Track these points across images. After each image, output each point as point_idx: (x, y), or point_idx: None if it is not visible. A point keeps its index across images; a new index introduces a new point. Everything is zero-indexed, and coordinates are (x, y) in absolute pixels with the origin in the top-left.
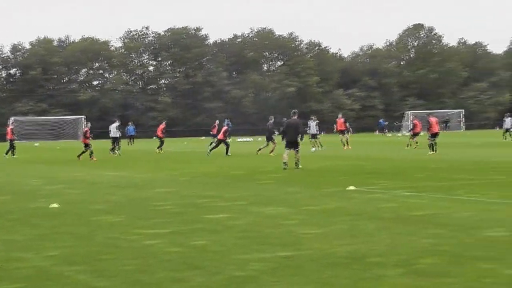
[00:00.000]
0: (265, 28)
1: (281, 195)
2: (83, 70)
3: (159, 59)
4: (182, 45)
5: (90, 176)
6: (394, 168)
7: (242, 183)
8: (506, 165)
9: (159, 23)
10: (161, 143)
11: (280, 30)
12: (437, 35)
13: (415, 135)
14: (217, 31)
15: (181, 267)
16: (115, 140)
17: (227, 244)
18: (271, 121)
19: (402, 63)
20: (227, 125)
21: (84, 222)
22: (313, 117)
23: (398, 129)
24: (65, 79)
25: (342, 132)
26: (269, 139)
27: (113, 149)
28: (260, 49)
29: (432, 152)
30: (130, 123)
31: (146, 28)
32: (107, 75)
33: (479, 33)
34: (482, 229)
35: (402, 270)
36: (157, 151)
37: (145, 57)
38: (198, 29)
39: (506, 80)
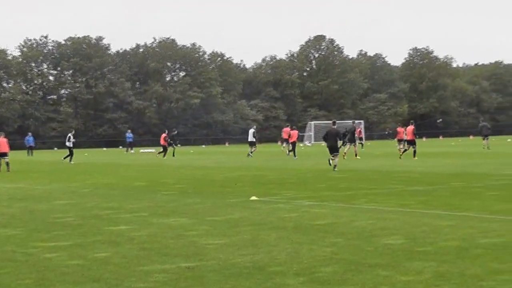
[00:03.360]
0: (167, 38)
1: (183, 206)
2: None
3: (59, 68)
4: (83, 54)
5: None
6: (297, 178)
7: (144, 194)
8: (405, 174)
9: (59, 32)
10: (164, 150)
11: (183, 40)
12: (337, 46)
13: (400, 141)
14: (119, 41)
15: (81, 280)
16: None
17: (128, 256)
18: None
19: (304, 74)
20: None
21: None
22: (253, 125)
23: (301, 139)
24: None
25: (286, 140)
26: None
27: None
28: (163, 59)
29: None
30: (29, 133)
31: (45, 37)
32: (5, 84)
33: (378, 45)
34: (380, 237)
35: (303, 279)
36: (158, 156)
37: (45, 67)
38: (99, 39)
39: (404, 91)
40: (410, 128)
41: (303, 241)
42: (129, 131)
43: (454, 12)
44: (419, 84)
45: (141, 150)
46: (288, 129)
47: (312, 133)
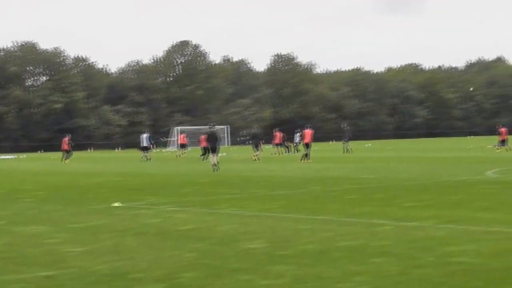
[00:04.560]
0: (28, 42)
1: (43, 213)
2: None
3: None
4: None
5: None
6: (161, 183)
7: (1, 202)
8: (266, 179)
9: None
10: (68, 153)
11: (45, 44)
12: (202, 52)
13: (277, 145)
14: None
15: None
16: None
17: None
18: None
19: (169, 79)
20: None
21: None
22: (144, 130)
23: (165, 144)
24: None
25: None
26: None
27: None
28: (23, 63)
29: (306, 161)
30: None
31: None
32: None
33: (242, 51)
34: (242, 241)
35: (163, 285)
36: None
37: None
38: None
39: (268, 96)
40: (308, 131)
41: (166, 247)
42: None
43: (317, 20)
44: (282, 89)
45: (1, 157)
46: (277, 133)
47: (176, 138)
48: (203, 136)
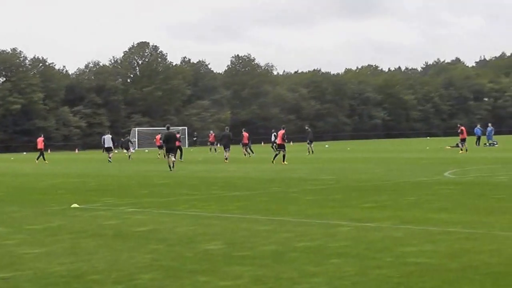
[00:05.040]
0: None
1: (0, 215)
2: None
3: None
4: None
5: None
6: (119, 184)
7: None
8: (224, 180)
9: None
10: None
11: (3, 45)
12: (161, 53)
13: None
14: None
15: None
16: None
17: None
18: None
19: (128, 80)
20: None
21: None
22: (107, 131)
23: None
24: None
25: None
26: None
27: None
28: None
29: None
30: None
31: None
32: None
33: (201, 52)
34: (200, 242)
35: (121, 287)
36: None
37: None
38: None
39: (226, 98)
40: (281, 132)
41: (124, 248)
42: None
43: (275, 22)
44: (241, 91)
45: None
46: (246, 133)
47: (135, 140)
48: (158, 136)
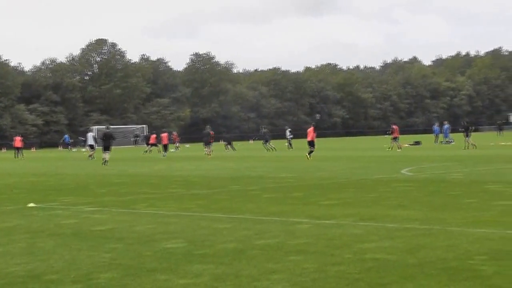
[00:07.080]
0: None
1: None
2: None
3: None
4: None
5: None
6: (77, 183)
7: None
8: (184, 178)
9: None
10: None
11: None
12: (120, 50)
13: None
14: None
15: None
16: None
17: None
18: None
19: (86, 78)
20: None
21: None
22: (90, 128)
23: (83, 144)
24: None
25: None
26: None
27: None
28: None
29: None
30: None
31: None
32: None
33: (160, 50)
34: (160, 241)
35: (80, 286)
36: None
37: None
38: None
39: (186, 96)
40: (311, 129)
41: (82, 248)
42: None
43: (235, 19)
44: (201, 89)
45: None
46: (212, 132)
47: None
48: (152, 135)
